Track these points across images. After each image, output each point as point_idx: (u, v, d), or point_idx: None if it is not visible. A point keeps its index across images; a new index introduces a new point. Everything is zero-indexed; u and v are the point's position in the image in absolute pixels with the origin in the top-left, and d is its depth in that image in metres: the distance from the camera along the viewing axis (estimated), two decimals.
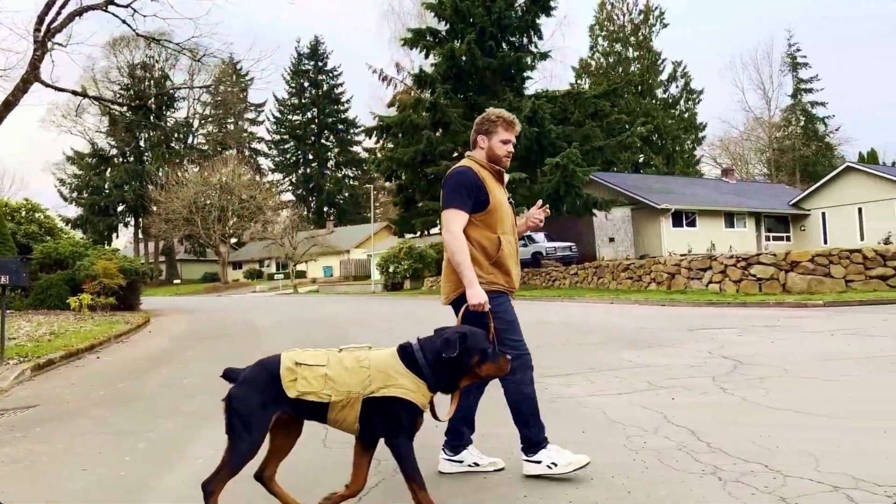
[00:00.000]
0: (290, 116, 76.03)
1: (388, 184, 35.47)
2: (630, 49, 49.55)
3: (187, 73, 66.63)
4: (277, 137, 76.13)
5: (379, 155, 27.87)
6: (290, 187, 76.04)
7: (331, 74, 75.65)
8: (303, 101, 75.45)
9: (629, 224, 32.34)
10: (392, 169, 27.72)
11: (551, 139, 26.29)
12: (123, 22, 15.99)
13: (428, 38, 29.02)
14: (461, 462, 3.46)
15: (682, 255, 22.99)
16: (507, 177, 3.56)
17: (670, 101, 50.26)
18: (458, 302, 3.33)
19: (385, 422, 2.71)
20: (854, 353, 6.92)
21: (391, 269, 38.29)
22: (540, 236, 33.39)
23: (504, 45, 28.71)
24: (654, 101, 48.71)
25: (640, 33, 49.55)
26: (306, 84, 75.73)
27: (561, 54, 58.69)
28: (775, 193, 39.36)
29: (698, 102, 50.91)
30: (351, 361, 2.78)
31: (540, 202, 3.72)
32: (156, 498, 3.37)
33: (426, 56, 29.08)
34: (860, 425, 4.04)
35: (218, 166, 57.14)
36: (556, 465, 3.24)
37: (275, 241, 46.96)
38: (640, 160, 46.62)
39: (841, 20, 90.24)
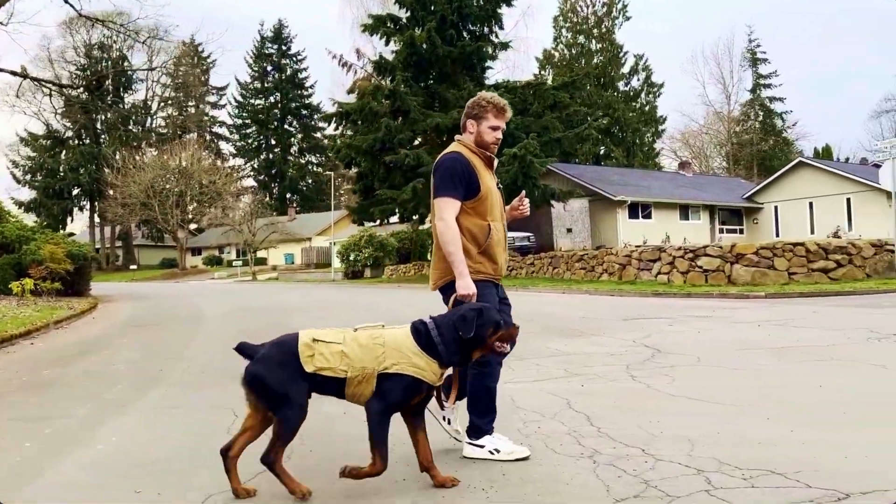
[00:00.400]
0: (252, 101, 74.91)
1: (347, 171, 35.21)
2: (593, 41, 49.91)
3: (146, 55, 65.35)
4: (239, 122, 74.97)
5: (338, 142, 27.66)
6: (252, 173, 75.06)
7: (295, 59, 74.71)
8: (265, 85, 74.40)
9: (587, 215, 32.72)
10: (351, 156, 27.57)
11: (510, 129, 26.35)
12: (66, 2, 15.50)
13: (389, 24, 28.84)
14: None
15: (636, 247, 23.32)
16: (495, 162, 3.57)
17: (631, 93, 50.81)
18: (445, 289, 3.40)
19: (381, 391, 2.83)
20: (772, 343, 7.17)
21: (352, 258, 38.20)
22: None
23: (465, 34, 28.69)
24: (615, 94, 49.20)
25: (602, 26, 49.93)
26: (269, 68, 74.69)
27: (524, 45, 59.09)
28: (730, 187, 40.17)
29: (659, 96, 51.61)
30: (366, 339, 2.90)
31: (523, 193, 3.77)
32: (43, 484, 3.36)
33: (386, 43, 28.94)
34: (747, 412, 4.21)
35: (177, 150, 56.15)
36: (498, 451, 3.35)
37: (233, 227, 46.38)
38: (601, 152, 47.13)
39: (801, 15, 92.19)
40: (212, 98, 78.02)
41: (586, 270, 22.97)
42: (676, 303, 14.49)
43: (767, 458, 3.19)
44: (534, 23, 56.39)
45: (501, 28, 29.48)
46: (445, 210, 3.33)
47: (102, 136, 64.35)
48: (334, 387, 2.87)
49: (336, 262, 41.58)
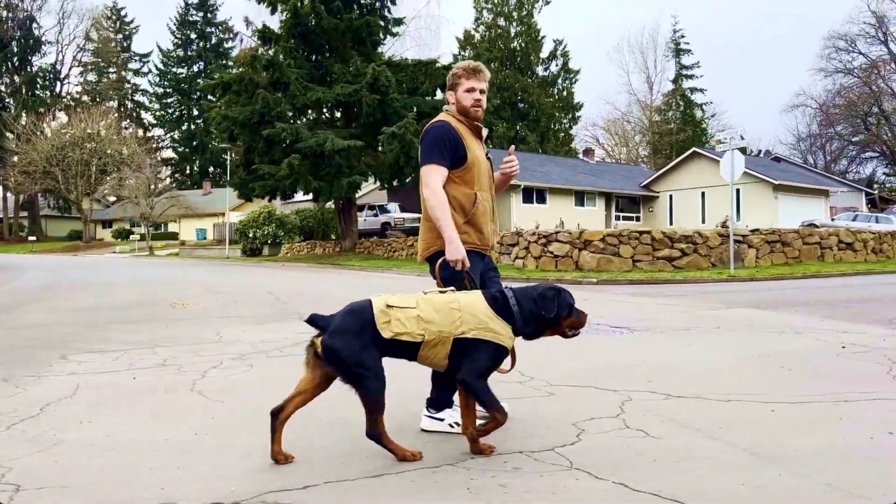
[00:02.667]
0: (174, 69, 72.31)
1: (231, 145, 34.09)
2: (513, 24, 49.55)
3: (57, 16, 62.47)
4: (160, 91, 72.36)
5: (214, 113, 26.65)
6: (173, 144, 72.61)
7: (220, 27, 72.22)
8: (189, 53, 71.86)
9: None
10: (229, 129, 26.61)
11: (395, 108, 25.88)
12: None
13: None
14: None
15: (530, 230, 23.15)
16: (485, 132, 3.52)
17: (549, 78, 50.74)
18: (432, 259, 3.37)
19: (469, 361, 2.88)
20: None
21: (250, 235, 37.30)
22: (394, 206, 33.26)
23: (355, 8, 27.88)
24: (533, 78, 49.02)
25: (523, 9, 49.62)
26: (193, 36, 72.07)
27: (435, 23, 60.06)
28: (631, 175, 40.61)
29: (575, 82, 51.62)
30: (441, 303, 2.93)
31: (512, 147, 3.67)
32: None
33: (272, 12, 27.94)
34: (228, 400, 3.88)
35: (85, 117, 53.77)
36: (458, 423, 3.30)
37: (129, 199, 44.70)
38: (515, 135, 47.07)
39: (725, 9, 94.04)
40: (134, 65, 75.27)
41: None
42: None
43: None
44: (452, 2, 55.88)
45: (393, 3, 28.80)
46: (431, 176, 3.29)
47: (7, 101, 61.17)
48: (408, 350, 2.90)
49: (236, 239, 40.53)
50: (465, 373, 2.89)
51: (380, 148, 25.59)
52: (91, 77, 72.36)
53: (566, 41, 51.01)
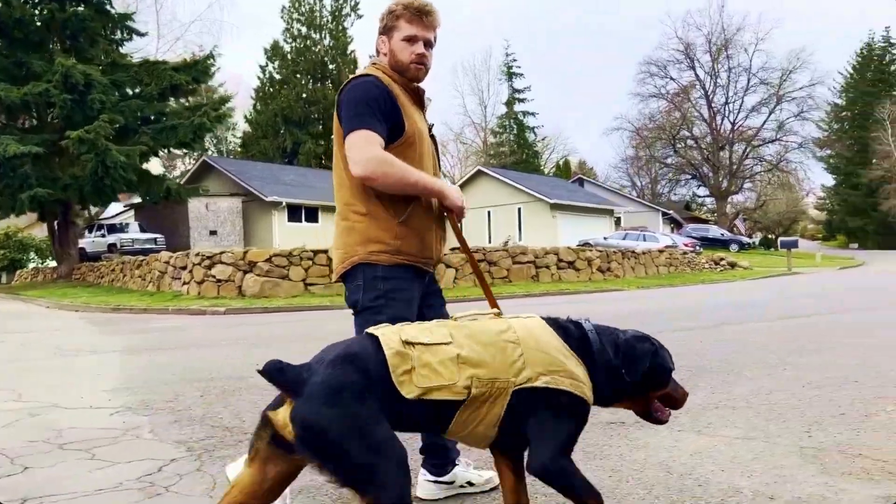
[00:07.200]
0: None
1: None
2: (323, 35, 46.98)
3: None
4: None
5: None
6: None
7: None
8: None
9: (239, 216, 29.35)
10: None
11: (98, 110, 22.23)
12: None
13: None
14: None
15: (194, 254, 19.95)
16: (428, 101, 2.33)
17: None
18: (350, 277, 2.18)
19: (543, 431, 1.66)
20: None
21: None
22: (135, 226, 29.38)
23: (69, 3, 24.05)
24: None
25: (336, 22, 47.23)
26: None
27: (217, 27, 57.57)
28: None
29: None
30: (488, 334, 1.72)
31: None
32: None
33: None
34: None
35: None
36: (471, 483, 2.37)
37: None
38: (324, 152, 44.50)
39: (554, 34, 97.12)
40: None
41: (142, 279, 19.33)
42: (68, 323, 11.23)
43: None
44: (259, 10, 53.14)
45: None
46: (368, 142, 2.01)
47: None
48: (440, 415, 1.62)
49: None
50: (543, 455, 1.63)
51: (44, 152, 21.71)
52: None
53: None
